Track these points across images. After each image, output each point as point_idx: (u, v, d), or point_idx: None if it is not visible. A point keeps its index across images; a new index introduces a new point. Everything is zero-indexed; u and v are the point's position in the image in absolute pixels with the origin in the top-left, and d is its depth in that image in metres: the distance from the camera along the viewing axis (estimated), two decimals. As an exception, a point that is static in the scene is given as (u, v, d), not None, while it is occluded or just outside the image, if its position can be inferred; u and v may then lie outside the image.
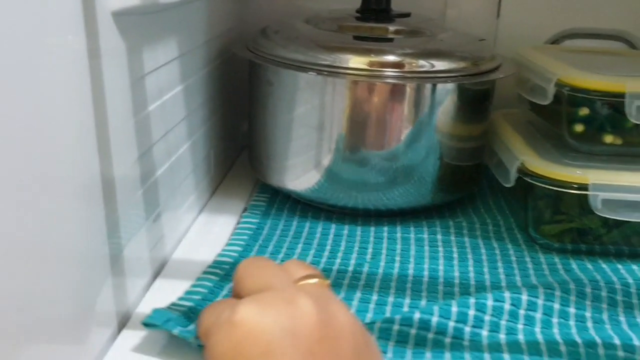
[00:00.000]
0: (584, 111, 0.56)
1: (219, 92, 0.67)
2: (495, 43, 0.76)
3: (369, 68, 0.56)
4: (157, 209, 0.50)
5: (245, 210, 0.64)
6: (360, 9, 0.65)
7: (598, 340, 0.43)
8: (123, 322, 0.44)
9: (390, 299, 0.49)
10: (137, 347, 0.42)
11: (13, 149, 0.29)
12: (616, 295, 0.49)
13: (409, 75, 0.56)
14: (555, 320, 0.46)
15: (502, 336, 0.44)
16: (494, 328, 0.44)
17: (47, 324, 0.34)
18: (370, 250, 0.56)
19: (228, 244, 0.56)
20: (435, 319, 0.44)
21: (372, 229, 0.60)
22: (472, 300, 0.45)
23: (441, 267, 0.54)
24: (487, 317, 0.45)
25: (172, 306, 0.45)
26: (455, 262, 0.55)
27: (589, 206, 0.53)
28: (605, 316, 0.47)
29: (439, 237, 0.59)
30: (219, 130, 0.68)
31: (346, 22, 0.63)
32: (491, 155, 0.66)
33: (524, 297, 0.46)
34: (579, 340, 0.43)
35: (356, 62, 0.56)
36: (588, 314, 0.46)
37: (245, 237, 0.57)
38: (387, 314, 0.47)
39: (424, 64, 0.57)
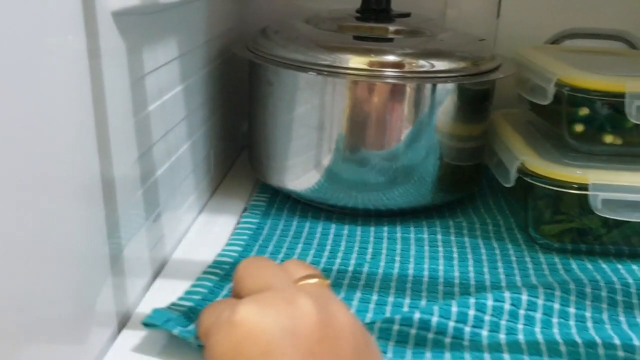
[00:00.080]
0: (584, 111, 0.56)
1: (219, 92, 0.67)
2: (495, 43, 0.76)
3: (369, 68, 0.56)
4: (157, 209, 0.50)
5: (245, 210, 0.64)
6: (360, 9, 0.65)
7: (598, 340, 0.43)
8: (123, 322, 0.44)
9: (390, 299, 0.49)
10: (137, 347, 0.42)
11: (13, 149, 0.29)
12: (616, 295, 0.49)
13: (409, 75, 0.56)
14: (555, 320, 0.46)
15: (502, 336, 0.44)
16: (494, 328, 0.44)
17: (47, 324, 0.34)
18: (370, 250, 0.56)
19: (228, 244, 0.56)
20: (435, 319, 0.44)
21: (372, 229, 0.60)
22: (472, 300, 0.45)
23: (441, 267, 0.54)
24: (487, 317, 0.45)
25: (172, 306, 0.45)
26: (455, 262, 0.55)
27: (589, 206, 0.53)
28: (605, 316, 0.47)
29: (439, 237, 0.59)
30: (219, 130, 0.68)
31: (346, 22, 0.63)
32: (491, 155, 0.66)
33: (524, 297, 0.46)
34: (579, 340, 0.43)
35: (356, 62, 0.56)
36: (588, 314, 0.46)
37: (245, 237, 0.57)
38: (387, 314, 0.47)
39: (424, 64, 0.57)
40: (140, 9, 0.42)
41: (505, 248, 0.57)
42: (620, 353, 0.42)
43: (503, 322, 0.45)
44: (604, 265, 0.54)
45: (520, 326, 0.45)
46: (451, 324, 0.44)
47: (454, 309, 0.45)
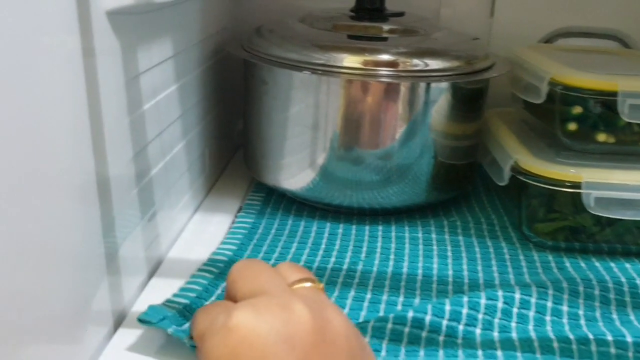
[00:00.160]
0: (577, 110, 0.56)
1: (214, 91, 0.67)
2: (489, 42, 0.76)
3: (363, 67, 0.56)
4: (152, 208, 0.50)
5: (240, 209, 0.64)
6: (355, 8, 0.65)
7: (590, 336, 0.43)
8: (119, 321, 0.44)
9: (384, 297, 0.49)
10: (133, 346, 0.42)
11: (7, 148, 0.29)
12: (609, 294, 0.49)
13: (403, 74, 0.56)
14: (548, 318, 0.46)
15: (496, 334, 0.44)
16: (487, 326, 0.44)
17: (42, 323, 0.34)
18: (364, 249, 0.57)
19: (223, 242, 0.56)
20: (428, 318, 0.44)
21: (367, 227, 0.61)
22: (465, 299, 0.46)
23: (435, 266, 0.54)
24: (480, 316, 0.45)
25: (168, 302, 0.45)
26: (449, 260, 0.55)
27: (582, 204, 0.53)
28: (598, 314, 0.47)
29: (433, 235, 0.59)
30: (214, 130, 0.68)
31: (340, 21, 0.63)
32: (485, 154, 0.66)
33: (517, 296, 0.47)
34: (571, 336, 0.43)
35: (350, 61, 0.56)
36: (581, 312, 0.47)
37: (240, 235, 0.57)
38: (381, 313, 0.47)
39: (418, 63, 0.57)
40: (135, 9, 0.42)
41: (499, 246, 0.58)
42: (613, 350, 0.42)
43: (496, 320, 0.45)
44: (597, 264, 0.55)
45: (513, 324, 0.45)
46: (444, 322, 0.44)
47: (448, 307, 0.45)
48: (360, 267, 0.53)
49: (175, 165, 0.55)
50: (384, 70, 0.56)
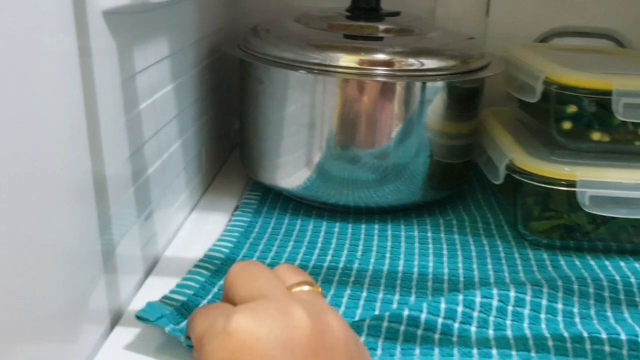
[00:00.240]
0: (572, 109, 0.57)
1: (210, 91, 0.67)
2: (485, 41, 0.76)
3: (359, 66, 0.56)
4: (148, 207, 0.50)
5: (237, 208, 0.64)
6: (350, 7, 0.65)
7: (585, 334, 0.43)
8: (115, 320, 0.44)
9: (380, 296, 0.49)
10: (130, 345, 0.42)
11: (3, 147, 0.29)
12: (603, 292, 0.49)
13: (398, 73, 0.56)
14: (542, 316, 0.46)
15: (491, 332, 0.44)
16: (483, 324, 0.45)
17: (39, 322, 0.34)
18: (360, 247, 0.57)
19: (219, 240, 0.56)
20: (424, 316, 0.44)
21: (363, 226, 0.61)
22: (460, 297, 0.46)
23: (431, 264, 0.54)
24: (475, 314, 0.45)
25: (165, 299, 0.45)
26: (445, 259, 0.55)
27: (577, 203, 0.54)
28: (592, 312, 0.47)
29: (429, 234, 0.60)
30: (211, 129, 0.68)
31: (336, 21, 0.64)
32: (481, 153, 0.66)
33: (512, 294, 0.47)
34: (566, 334, 0.44)
35: (346, 60, 0.56)
36: (575, 310, 0.47)
37: (236, 234, 0.58)
38: (377, 311, 0.47)
39: (413, 63, 0.57)
40: (131, 8, 0.43)
41: (494, 245, 0.58)
42: (607, 348, 0.42)
43: (491, 318, 0.45)
44: (591, 262, 0.55)
45: (508, 322, 0.45)
46: (440, 320, 0.44)
47: (443, 305, 0.45)
48: (356, 265, 0.53)
49: (171, 165, 0.55)
50: (379, 70, 0.56)
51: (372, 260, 0.54)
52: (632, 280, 0.51)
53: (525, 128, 0.65)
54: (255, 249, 0.55)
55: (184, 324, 0.42)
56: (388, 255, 0.55)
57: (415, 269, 0.53)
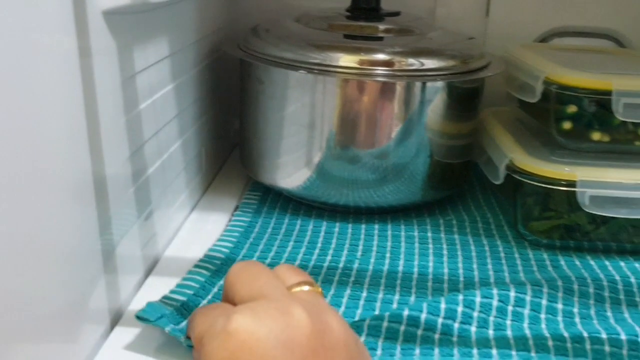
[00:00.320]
0: (572, 109, 0.57)
1: (210, 91, 0.67)
2: (485, 41, 0.76)
3: (359, 66, 0.56)
4: (148, 207, 0.50)
5: (237, 208, 0.64)
6: (350, 7, 0.65)
7: (585, 334, 0.43)
8: (115, 320, 0.44)
9: (380, 296, 0.49)
10: (130, 345, 0.42)
11: (4, 147, 0.29)
12: (603, 292, 0.49)
13: (398, 73, 0.56)
14: (542, 316, 0.46)
15: (491, 332, 0.44)
16: (483, 324, 0.45)
17: (39, 322, 0.34)
18: (360, 247, 0.57)
19: (219, 240, 0.56)
20: (424, 316, 0.44)
21: (363, 226, 0.61)
22: (460, 297, 0.46)
23: (431, 264, 0.54)
24: (475, 314, 0.45)
25: (165, 299, 0.45)
26: (445, 259, 0.55)
27: (577, 203, 0.54)
28: (592, 312, 0.47)
29: (429, 234, 0.60)
30: (211, 129, 0.68)
31: (336, 21, 0.64)
32: (481, 153, 0.66)
33: (512, 294, 0.47)
34: (566, 334, 0.44)
35: (346, 60, 0.56)
36: (575, 310, 0.47)
37: (236, 234, 0.58)
38: (377, 311, 0.47)
39: (413, 63, 0.57)
40: (131, 8, 0.43)
41: (494, 245, 0.58)
42: (607, 348, 0.42)
43: (491, 318, 0.45)
44: (591, 262, 0.55)
45: (508, 322, 0.45)
46: (440, 320, 0.44)
47: (443, 305, 0.45)
48: (356, 265, 0.53)
49: (171, 165, 0.55)
50: (379, 70, 0.56)
51: (372, 260, 0.54)
52: (632, 280, 0.51)
53: (525, 128, 0.65)
54: (255, 249, 0.55)
55: (184, 324, 0.42)
56: (388, 255, 0.55)
57: (415, 269, 0.53)
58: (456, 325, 0.44)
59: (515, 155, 0.58)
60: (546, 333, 0.44)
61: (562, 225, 0.57)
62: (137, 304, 0.46)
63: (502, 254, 0.56)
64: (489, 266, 0.54)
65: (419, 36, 0.62)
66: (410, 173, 0.60)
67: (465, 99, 0.62)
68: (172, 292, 0.47)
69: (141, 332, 0.43)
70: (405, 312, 0.44)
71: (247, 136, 0.65)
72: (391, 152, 0.59)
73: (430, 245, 0.57)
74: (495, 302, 0.46)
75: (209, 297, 0.47)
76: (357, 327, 0.43)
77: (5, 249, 0.30)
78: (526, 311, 0.46)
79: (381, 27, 0.63)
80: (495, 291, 0.47)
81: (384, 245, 0.57)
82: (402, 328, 0.43)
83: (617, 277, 0.51)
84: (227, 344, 0.30)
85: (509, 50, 0.68)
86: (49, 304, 0.35)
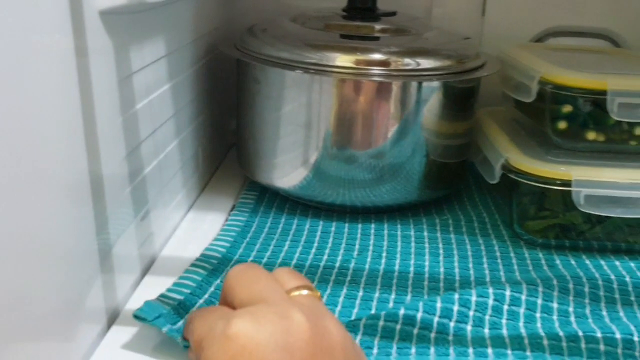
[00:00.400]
0: (567, 108, 0.57)
1: (207, 91, 0.67)
2: (481, 41, 0.76)
3: (355, 66, 0.56)
4: (145, 206, 0.50)
5: (233, 207, 0.64)
6: (347, 7, 0.66)
7: (580, 333, 0.43)
8: (112, 319, 0.44)
9: (376, 295, 0.49)
10: (126, 344, 0.42)
11: (0, 147, 0.30)
12: (599, 291, 0.50)
13: (394, 73, 0.56)
14: (538, 315, 0.46)
15: (486, 331, 0.44)
16: (478, 323, 0.45)
17: (35, 321, 0.34)
18: (357, 246, 0.57)
19: (216, 239, 0.56)
20: (420, 315, 0.44)
21: (360, 225, 0.61)
22: (456, 296, 0.46)
23: (427, 263, 0.54)
24: (471, 313, 0.45)
25: (162, 298, 0.45)
26: (441, 258, 0.55)
27: (572, 202, 0.54)
28: (587, 311, 0.47)
29: (426, 233, 0.60)
30: (207, 128, 0.68)
31: (332, 21, 0.64)
32: (476, 152, 0.67)
33: (508, 293, 0.47)
34: (561, 333, 0.44)
35: (342, 60, 0.56)
36: (571, 309, 0.47)
37: (233, 233, 0.58)
38: (373, 310, 0.47)
39: (409, 62, 0.57)
40: (128, 8, 0.43)
41: (490, 244, 0.58)
42: (602, 347, 0.42)
43: (487, 317, 0.45)
44: (587, 261, 0.55)
45: (503, 321, 0.45)
46: (436, 319, 0.44)
47: (439, 304, 0.45)
48: (352, 264, 0.54)
49: (168, 164, 0.55)
50: (376, 70, 0.56)
51: (369, 259, 0.55)
52: (627, 279, 0.52)
53: (520, 128, 0.65)
54: (252, 249, 0.55)
55: (180, 323, 0.42)
56: (384, 254, 0.56)
57: (412, 268, 0.53)
58: (452, 324, 0.44)
59: (510, 154, 0.58)
60: (541, 332, 0.44)
61: (557, 225, 0.57)
62: (134, 303, 0.46)
63: (498, 253, 0.56)
64: (485, 265, 0.54)
65: (415, 36, 0.62)
66: (407, 172, 0.60)
67: (461, 98, 0.62)
68: (169, 290, 0.47)
69: (138, 332, 0.43)
70: (402, 311, 0.44)
71: (243, 136, 0.65)
72: (387, 151, 0.59)
73: (427, 245, 0.58)
74: (491, 301, 0.46)
75: (206, 296, 0.47)
76: (353, 326, 0.43)
77: (1, 249, 0.30)
78: (522, 310, 0.46)
79: (377, 27, 0.63)
80: (491, 290, 0.47)
81: (380, 244, 0.57)
82: (398, 327, 0.43)
83: (612, 276, 0.52)
84: (226, 348, 0.30)
85: (505, 50, 0.68)
86: (46, 303, 0.35)
